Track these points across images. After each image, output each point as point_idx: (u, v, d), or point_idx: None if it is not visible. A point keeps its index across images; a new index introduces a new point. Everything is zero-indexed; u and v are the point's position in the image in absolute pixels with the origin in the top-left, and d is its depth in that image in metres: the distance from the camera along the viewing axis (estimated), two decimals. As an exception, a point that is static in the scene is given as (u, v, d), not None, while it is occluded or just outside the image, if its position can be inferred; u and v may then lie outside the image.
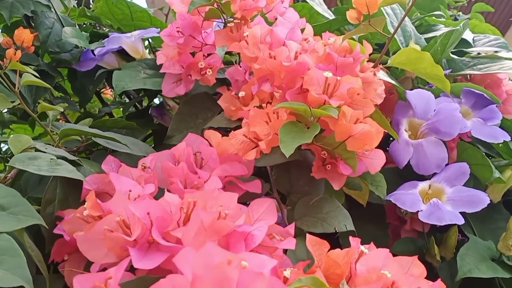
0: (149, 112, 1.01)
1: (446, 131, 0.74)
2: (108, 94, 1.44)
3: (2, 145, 1.36)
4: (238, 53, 0.83)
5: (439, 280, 0.51)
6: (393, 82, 0.75)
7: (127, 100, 1.18)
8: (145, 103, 1.16)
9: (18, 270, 0.42)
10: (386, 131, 0.71)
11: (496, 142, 0.74)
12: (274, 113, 0.56)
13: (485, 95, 0.77)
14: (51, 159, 0.53)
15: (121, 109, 1.16)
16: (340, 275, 0.47)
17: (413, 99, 0.76)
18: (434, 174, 0.75)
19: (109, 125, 0.75)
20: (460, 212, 0.69)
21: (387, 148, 0.80)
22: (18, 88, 0.65)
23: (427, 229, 0.80)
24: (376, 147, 0.57)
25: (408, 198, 0.72)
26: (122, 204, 0.47)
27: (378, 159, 0.60)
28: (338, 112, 0.53)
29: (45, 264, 0.50)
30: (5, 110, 1.40)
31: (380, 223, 0.83)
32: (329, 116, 0.52)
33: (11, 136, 0.57)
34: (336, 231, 0.62)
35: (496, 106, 0.77)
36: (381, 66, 0.76)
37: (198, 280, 0.34)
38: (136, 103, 1.10)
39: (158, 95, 1.11)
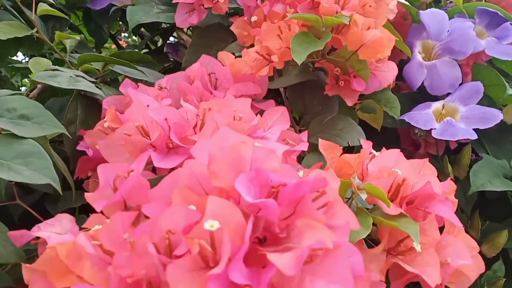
0: (164, 50, 1.01)
1: (459, 50, 0.74)
2: (123, 44, 1.45)
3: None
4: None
5: (449, 179, 0.52)
6: (406, 2, 0.75)
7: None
8: (159, 44, 1.17)
9: (45, 171, 0.45)
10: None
11: (510, 59, 0.74)
12: (286, 26, 0.57)
13: (499, 13, 0.76)
14: (70, 76, 0.55)
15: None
16: (352, 175, 0.49)
17: (427, 19, 0.76)
18: (448, 94, 0.76)
19: (125, 57, 0.76)
20: (475, 133, 0.70)
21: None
22: (35, 17, 0.66)
23: (441, 152, 0.81)
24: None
25: (422, 117, 0.72)
26: (140, 111, 0.49)
27: (390, 71, 0.61)
28: (349, 20, 0.53)
29: (70, 175, 0.53)
30: (25, 59, 1.42)
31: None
32: (341, 23, 0.53)
33: (31, 59, 0.59)
34: (349, 145, 0.63)
35: (511, 24, 0.76)
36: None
37: (214, 160, 0.36)
38: (151, 44, 1.11)
39: (172, 36, 1.11)
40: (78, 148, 0.58)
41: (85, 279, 0.35)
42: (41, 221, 0.42)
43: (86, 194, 0.41)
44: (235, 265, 0.30)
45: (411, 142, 0.86)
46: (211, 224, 0.31)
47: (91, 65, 0.72)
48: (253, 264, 0.33)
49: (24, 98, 0.50)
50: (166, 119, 0.48)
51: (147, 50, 1.10)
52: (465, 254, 0.46)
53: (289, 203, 0.35)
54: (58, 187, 0.44)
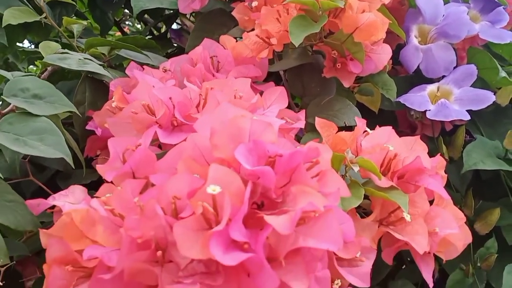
0: (167, 35, 1.04)
1: (454, 33, 0.76)
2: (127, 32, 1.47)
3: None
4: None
5: (438, 155, 0.55)
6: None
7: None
8: (162, 31, 1.19)
9: (59, 146, 0.48)
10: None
11: (502, 42, 0.76)
12: (284, 10, 0.59)
13: (493, -3, 0.79)
14: (79, 59, 0.58)
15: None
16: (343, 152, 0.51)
17: (423, 4, 0.78)
18: (443, 77, 0.78)
19: (130, 42, 0.79)
20: (469, 115, 0.72)
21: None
22: (43, 3, 0.69)
23: (436, 133, 0.83)
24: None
25: (417, 99, 0.75)
26: (147, 91, 0.52)
27: (385, 54, 0.63)
28: (344, 4, 0.56)
29: (81, 153, 0.56)
30: (30, 46, 1.45)
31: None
32: (337, 6, 0.55)
33: (42, 43, 0.62)
34: (346, 125, 0.66)
35: (504, 8, 0.79)
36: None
37: (215, 133, 0.39)
38: (154, 30, 1.14)
39: (176, 22, 1.14)
40: (88, 128, 0.61)
41: (98, 243, 0.38)
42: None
43: (97, 166, 0.44)
44: (235, 225, 0.33)
45: (408, 125, 0.88)
46: (213, 189, 0.34)
47: (97, 50, 0.74)
48: (251, 227, 0.36)
49: (36, 78, 0.53)
50: (170, 98, 0.50)
51: (150, 36, 1.12)
52: (453, 224, 0.49)
53: (285, 172, 0.38)
54: (70, 161, 0.48)
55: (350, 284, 0.43)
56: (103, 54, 0.79)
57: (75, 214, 0.39)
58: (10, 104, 0.51)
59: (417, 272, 0.86)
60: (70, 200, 0.45)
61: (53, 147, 0.47)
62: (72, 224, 0.39)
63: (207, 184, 0.34)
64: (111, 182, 0.44)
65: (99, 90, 0.65)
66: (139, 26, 1.50)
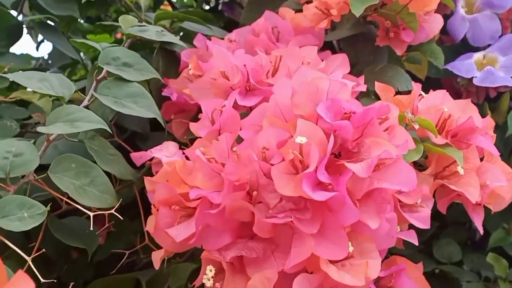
0: (218, 9, 1.10)
1: (499, 4, 0.80)
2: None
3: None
4: None
5: (488, 116, 0.60)
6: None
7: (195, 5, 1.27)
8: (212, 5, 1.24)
9: (150, 108, 0.55)
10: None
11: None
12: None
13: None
14: (157, 30, 0.64)
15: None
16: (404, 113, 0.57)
17: (470, -25, 0.81)
18: (488, 46, 0.82)
19: (190, 15, 0.85)
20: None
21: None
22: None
23: (481, 100, 0.87)
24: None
25: (464, 66, 0.79)
26: (222, 59, 0.58)
27: (436, 23, 0.68)
28: (401, -24, 0.60)
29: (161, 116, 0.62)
30: (83, 20, 1.52)
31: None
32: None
33: (120, 16, 0.68)
34: (398, 90, 0.71)
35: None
36: None
37: (296, 93, 0.45)
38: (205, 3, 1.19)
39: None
40: (164, 94, 0.67)
41: (196, 187, 0.45)
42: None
43: (191, 124, 0.51)
44: (321, 169, 0.40)
45: (454, 92, 0.92)
46: (300, 139, 0.40)
47: (162, 22, 0.80)
48: (331, 174, 0.42)
49: (123, 48, 0.60)
50: (245, 65, 0.56)
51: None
52: (501, 178, 0.54)
53: (358, 127, 0.44)
54: (161, 120, 0.54)
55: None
56: (165, 26, 0.85)
57: (177, 164, 0.46)
58: (102, 71, 0.58)
59: (459, 233, 0.92)
60: (165, 153, 0.51)
61: (146, 108, 0.54)
62: (174, 172, 0.46)
63: (296, 135, 0.41)
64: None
65: (169, 60, 0.71)
66: (185, 0, 1.55)
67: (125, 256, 0.59)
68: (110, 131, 0.51)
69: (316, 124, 0.44)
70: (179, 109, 0.68)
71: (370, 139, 0.42)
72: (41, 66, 1.13)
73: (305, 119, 0.44)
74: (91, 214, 0.44)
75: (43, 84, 0.51)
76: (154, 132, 0.71)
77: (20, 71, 0.55)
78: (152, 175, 0.52)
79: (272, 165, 0.41)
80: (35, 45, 1.14)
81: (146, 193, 0.50)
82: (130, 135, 0.71)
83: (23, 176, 0.48)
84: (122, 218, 0.47)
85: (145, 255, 0.61)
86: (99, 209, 0.46)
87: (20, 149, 0.48)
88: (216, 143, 0.44)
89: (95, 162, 0.50)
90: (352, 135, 0.43)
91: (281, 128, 0.44)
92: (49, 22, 0.91)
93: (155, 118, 0.68)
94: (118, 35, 1.33)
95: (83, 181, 0.47)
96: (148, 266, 0.65)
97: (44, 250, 0.46)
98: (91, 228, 0.44)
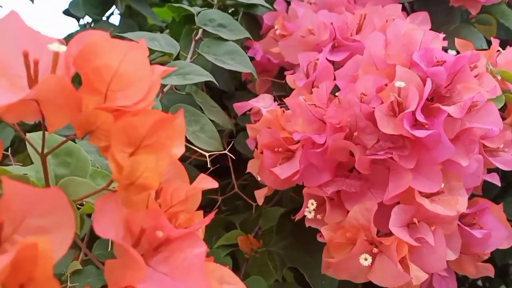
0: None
1: None
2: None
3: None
4: None
5: None
6: None
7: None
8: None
9: (246, 64, 0.60)
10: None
11: None
12: None
13: None
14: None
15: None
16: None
17: None
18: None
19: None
20: None
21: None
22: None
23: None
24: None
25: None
26: (310, 18, 0.62)
27: (514, -19, 0.69)
28: None
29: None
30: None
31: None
32: None
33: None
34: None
35: None
36: None
37: (390, 44, 0.49)
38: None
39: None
40: (248, 54, 0.72)
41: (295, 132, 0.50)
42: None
43: (288, 76, 0.56)
44: (418, 110, 0.44)
45: (522, 53, 0.93)
46: (399, 83, 0.44)
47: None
48: (426, 117, 0.46)
49: (218, 11, 0.65)
50: (332, 23, 0.60)
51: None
52: None
53: (449, 74, 0.47)
54: (255, 74, 0.60)
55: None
56: None
57: (278, 112, 0.51)
58: (199, 33, 0.63)
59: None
60: (262, 104, 0.57)
61: (242, 64, 0.59)
62: (275, 119, 0.52)
63: (395, 80, 0.45)
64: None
65: (252, 24, 0.76)
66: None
67: (219, 202, 0.65)
68: (217, 83, 0.56)
69: (410, 72, 0.48)
70: (262, 68, 0.73)
71: (462, 84, 0.46)
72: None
73: (398, 69, 0.48)
74: (207, 154, 0.50)
75: (153, 43, 0.57)
76: (237, 91, 0.76)
77: (129, 32, 0.61)
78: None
79: (373, 108, 0.45)
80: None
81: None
82: (216, 93, 0.77)
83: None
84: (234, 157, 0.53)
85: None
86: (212, 151, 0.52)
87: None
88: (317, 90, 0.49)
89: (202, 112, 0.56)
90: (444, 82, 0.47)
91: (378, 75, 0.48)
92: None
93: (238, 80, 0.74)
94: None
95: (194, 128, 0.53)
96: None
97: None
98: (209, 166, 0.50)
